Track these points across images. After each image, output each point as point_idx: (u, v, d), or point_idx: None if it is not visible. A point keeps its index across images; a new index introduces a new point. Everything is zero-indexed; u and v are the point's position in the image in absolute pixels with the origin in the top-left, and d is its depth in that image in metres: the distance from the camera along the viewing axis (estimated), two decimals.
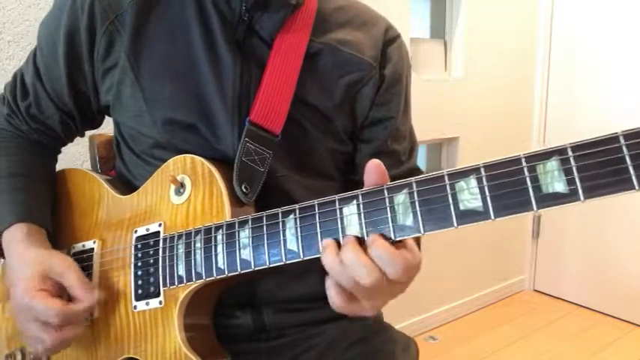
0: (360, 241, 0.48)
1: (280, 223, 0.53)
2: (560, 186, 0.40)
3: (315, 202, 0.51)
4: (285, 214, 0.53)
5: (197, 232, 0.60)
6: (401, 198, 0.47)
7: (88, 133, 0.84)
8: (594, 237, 2.34)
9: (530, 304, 2.47)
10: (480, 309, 2.41)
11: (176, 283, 0.60)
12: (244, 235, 0.56)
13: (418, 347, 0.82)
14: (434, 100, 2.07)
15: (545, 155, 0.41)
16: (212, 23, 0.66)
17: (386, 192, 0.48)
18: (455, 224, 0.44)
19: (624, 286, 2.23)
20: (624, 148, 0.38)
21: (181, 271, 0.60)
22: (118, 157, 0.79)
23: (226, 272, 0.57)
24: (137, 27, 0.65)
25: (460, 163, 2.20)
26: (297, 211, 0.52)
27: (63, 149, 0.81)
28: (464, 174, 0.44)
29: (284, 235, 0.53)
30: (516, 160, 0.42)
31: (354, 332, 0.76)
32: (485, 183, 0.43)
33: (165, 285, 0.61)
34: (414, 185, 0.46)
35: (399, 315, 2.01)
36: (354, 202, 0.49)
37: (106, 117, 0.78)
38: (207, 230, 0.59)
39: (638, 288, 2.19)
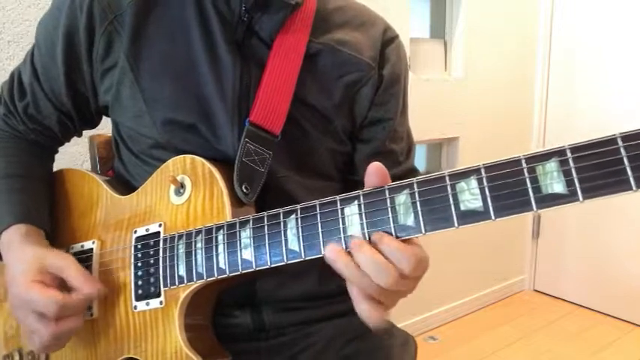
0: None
1: (282, 224, 0.53)
2: (559, 187, 0.40)
3: (317, 202, 0.51)
4: (287, 214, 0.53)
5: (198, 232, 0.60)
6: (402, 198, 0.47)
7: (88, 133, 0.84)
8: (594, 237, 2.34)
9: (530, 304, 2.47)
10: (479, 309, 2.41)
11: (177, 283, 0.60)
12: (245, 235, 0.56)
13: (417, 344, 0.82)
14: (434, 100, 2.07)
15: (545, 156, 0.41)
16: (212, 24, 0.66)
17: (387, 192, 0.48)
18: (456, 224, 0.44)
19: (624, 286, 2.24)
20: (622, 150, 0.38)
21: (182, 271, 0.60)
22: (116, 158, 0.78)
23: (228, 272, 0.57)
24: (136, 27, 0.65)
25: (460, 163, 2.21)
26: (299, 211, 0.52)
27: (63, 149, 0.81)
28: (464, 175, 0.44)
29: (285, 236, 0.53)
30: (516, 161, 0.42)
31: (352, 329, 0.76)
32: (485, 184, 0.43)
33: (165, 285, 0.61)
34: (415, 186, 0.46)
35: (399, 315, 2.00)
36: (356, 202, 0.49)
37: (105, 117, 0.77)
38: (208, 230, 0.59)
39: (638, 288, 2.19)
